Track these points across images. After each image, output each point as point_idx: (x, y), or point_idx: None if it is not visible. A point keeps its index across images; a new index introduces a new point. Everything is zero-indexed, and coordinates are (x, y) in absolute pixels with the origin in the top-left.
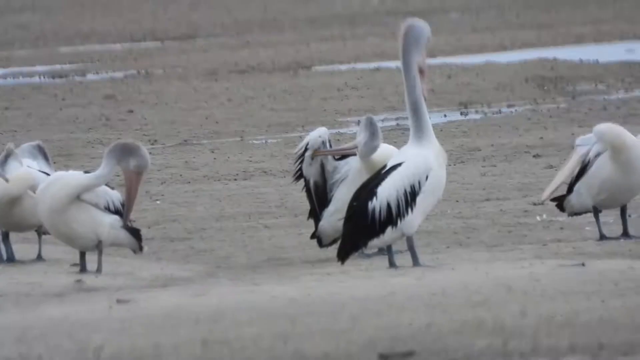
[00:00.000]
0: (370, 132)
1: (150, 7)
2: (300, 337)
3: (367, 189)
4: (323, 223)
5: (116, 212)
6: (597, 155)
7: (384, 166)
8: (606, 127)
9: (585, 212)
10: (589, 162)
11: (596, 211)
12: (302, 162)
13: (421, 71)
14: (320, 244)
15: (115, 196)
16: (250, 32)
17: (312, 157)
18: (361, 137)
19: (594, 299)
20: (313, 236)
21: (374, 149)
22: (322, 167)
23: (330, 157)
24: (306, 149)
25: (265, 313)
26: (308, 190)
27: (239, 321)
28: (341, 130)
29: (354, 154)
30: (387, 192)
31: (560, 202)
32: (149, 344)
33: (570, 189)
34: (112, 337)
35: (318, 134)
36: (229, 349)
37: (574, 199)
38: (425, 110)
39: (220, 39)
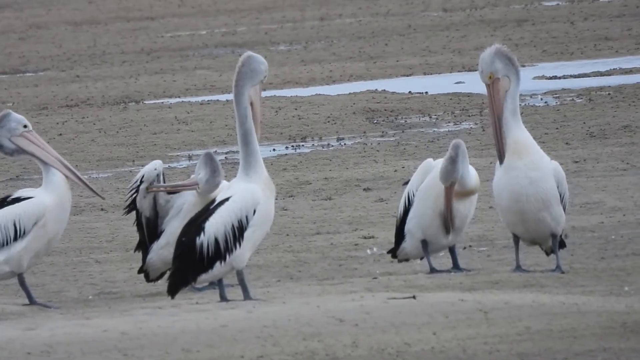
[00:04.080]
0: (211, 169)
1: None
2: None
3: (195, 225)
4: (152, 256)
5: None
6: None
7: (213, 200)
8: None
9: (419, 255)
10: (409, 198)
11: (425, 244)
12: (135, 194)
13: (252, 104)
14: (148, 278)
15: None
16: (80, 65)
17: (147, 191)
18: (202, 174)
19: (425, 331)
20: (141, 271)
21: (215, 186)
22: (155, 199)
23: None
24: (141, 182)
25: (97, 346)
26: (139, 224)
27: (72, 354)
28: (172, 165)
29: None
30: (215, 227)
31: (393, 252)
32: None
33: (399, 237)
34: None
35: (154, 167)
36: None
37: (408, 245)
38: (256, 142)
39: (51, 73)
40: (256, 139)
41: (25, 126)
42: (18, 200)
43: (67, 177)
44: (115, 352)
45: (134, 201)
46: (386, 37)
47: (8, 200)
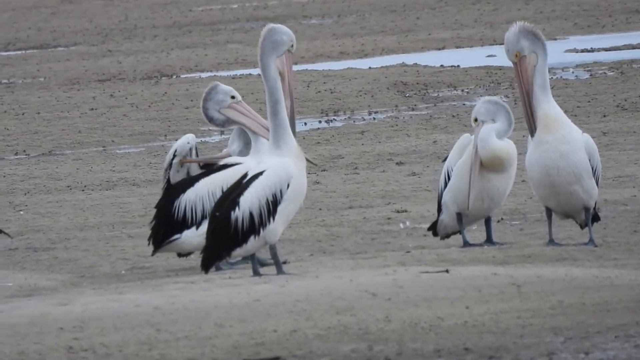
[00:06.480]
0: (244, 142)
1: (11, 16)
2: (165, 343)
3: (229, 199)
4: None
5: None
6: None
7: (245, 174)
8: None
9: (456, 228)
10: (448, 174)
11: (459, 217)
12: (170, 170)
13: (282, 76)
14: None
15: None
16: (111, 39)
17: (181, 165)
18: (235, 146)
19: (458, 305)
20: None
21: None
22: (189, 174)
23: (196, 165)
24: (174, 156)
25: (130, 321)
26: None
27: (104, 329)
28: (204, 139)
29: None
30: (250, 201)
31: (433, 228)
32: (13, 352)
33: (439, 210)
34: None
35: (186, 141)
36: (94, 355)
37: (445, 218)
38: (285, 112)
39: (82, 47)
40: (285, 110)
41: (232, 97)
42: (227, 166)
43: None
44: (147, 327)
45: (169, 177)
46: (417, 11)
47: (214, 168)
